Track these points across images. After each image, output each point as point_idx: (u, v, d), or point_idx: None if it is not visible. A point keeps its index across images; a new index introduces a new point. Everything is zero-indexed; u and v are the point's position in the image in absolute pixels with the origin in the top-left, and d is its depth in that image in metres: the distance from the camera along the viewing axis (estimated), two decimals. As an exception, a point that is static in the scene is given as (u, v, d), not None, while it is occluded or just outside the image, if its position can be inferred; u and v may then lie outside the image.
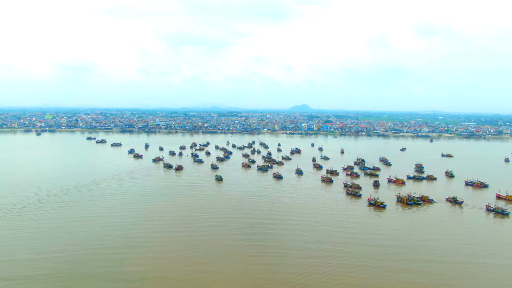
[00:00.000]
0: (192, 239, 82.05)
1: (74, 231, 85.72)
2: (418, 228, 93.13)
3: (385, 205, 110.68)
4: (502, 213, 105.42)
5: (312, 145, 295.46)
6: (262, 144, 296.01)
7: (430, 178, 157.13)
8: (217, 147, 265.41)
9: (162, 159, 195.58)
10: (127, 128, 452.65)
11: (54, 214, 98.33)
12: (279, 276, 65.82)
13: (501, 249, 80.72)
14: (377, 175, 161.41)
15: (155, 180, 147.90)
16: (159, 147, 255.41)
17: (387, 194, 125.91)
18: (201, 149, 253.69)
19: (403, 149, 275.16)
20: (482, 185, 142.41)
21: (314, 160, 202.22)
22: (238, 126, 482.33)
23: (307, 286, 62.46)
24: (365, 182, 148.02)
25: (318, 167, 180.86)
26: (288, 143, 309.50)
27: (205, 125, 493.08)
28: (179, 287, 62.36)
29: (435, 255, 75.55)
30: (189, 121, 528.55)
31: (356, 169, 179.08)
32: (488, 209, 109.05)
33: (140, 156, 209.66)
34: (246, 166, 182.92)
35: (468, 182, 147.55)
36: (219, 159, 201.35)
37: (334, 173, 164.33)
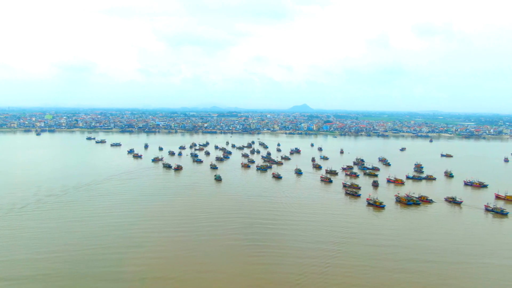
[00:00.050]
0: (191, 239, 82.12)
1: (73, 231, 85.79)
2: (417, 228, 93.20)
3: (384, 205, 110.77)
4: (501, 213, 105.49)
5: (312, 145, 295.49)
6: (261, 144, 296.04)
7: (430, 178, 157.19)
8: (216, 147, 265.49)
9: (161, 159, 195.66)
10: (127, 128, 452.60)
11: (53, 214, 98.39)
12: (277, 276, 65.88)
13: (500, 249, 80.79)
14: (376, 175, 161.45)
15: (154, 180, 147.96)
16: (159, 147, 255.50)
17: (386, 194, 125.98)
18: (200, 149, 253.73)
19: (402, 149, 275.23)
20: (481, 185, 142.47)
21: (313, 160, 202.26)
22: (238, 126, 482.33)
23: (306, 286, 62.53)
24: (364, 182, 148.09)
25: (318, 167, 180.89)
26: (288, 143, 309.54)
27: (205, 125, 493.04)
28: (178, 287, 62.44)
29: (434, 255, 75.61)
30: (189, 121, 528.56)
31: (356, 169, 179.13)
32: (487, 209, 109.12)
33: (140, 156, 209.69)
34: (246, 166, 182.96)
35: (467, 182, 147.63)
36: (219, 159, 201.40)
37: (334, 173, 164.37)
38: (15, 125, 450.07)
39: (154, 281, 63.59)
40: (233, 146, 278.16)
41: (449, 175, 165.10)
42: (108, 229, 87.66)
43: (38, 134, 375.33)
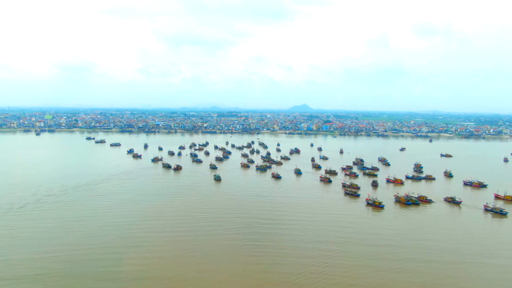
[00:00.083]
0: (190, 239, 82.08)
1: (72, 231, 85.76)
2: (416, 228, 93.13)
3: (383, 205, 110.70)
4: (500, 213, 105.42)
5: (311, 145, 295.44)
6: (261, 144, 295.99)
7: (429, 178, 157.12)
8: (216, 147, 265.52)
9: (161, 159, 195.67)
10: (127, 128, 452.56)
11: (52, 214, 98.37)
12: (276, 276, 65.83)
13: (499, 249, 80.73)
14: (375, 175, 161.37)
15: (154, 180, 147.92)
16: (158, 147, 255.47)
17: (385, 194, 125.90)
18: (200, 149, 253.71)
19: (402, 149, 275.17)
20: (481, 185, 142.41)
21: (313, 160, 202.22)
22: (238, 126, 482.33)
23: (304, 286, 62.49)
24: (363, 182, 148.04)
25: (317, 167, 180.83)
26: (288, 143, 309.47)
27: (205, 125, 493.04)
28: (176, 287, 62.38)
29: (432, 255, 75.55)
30: (189, 121, 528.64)
31: (355, 169, 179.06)
32: (486, 209, 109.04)
33: (139, 156, 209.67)
34: (245, 166, 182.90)
35: (467, 182, 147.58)
36: (218, 159, 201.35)
37: (333, 173, 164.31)
38: (15, 125, 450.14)
39: (153, 281, 63.53)
40: (233, 146, 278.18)
41: (448, 175, 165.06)
42: (107, 229, 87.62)
43: (37, 134, 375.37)
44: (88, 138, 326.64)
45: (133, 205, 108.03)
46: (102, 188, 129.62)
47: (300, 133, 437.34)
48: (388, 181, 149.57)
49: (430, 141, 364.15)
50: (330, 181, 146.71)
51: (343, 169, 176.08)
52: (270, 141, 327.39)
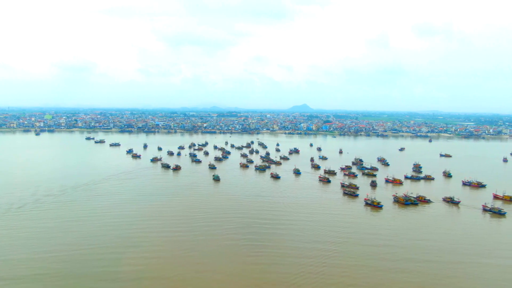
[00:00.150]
0: (189, 239, 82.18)
1: (70, 231, 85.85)
2: (415, 228, 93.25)
3: (382, 205, 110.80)
4: (498, 213, 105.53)
5: (311, 145, 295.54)
6: (260, 144, 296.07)
7: (428, 178, 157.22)
8: (215, 147, 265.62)
9: (160, 159, 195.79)
10: (126, 128, 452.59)
11: (51, 214, 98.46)
12: (274, 276, 65.93)
13: (497, 249, 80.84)
14: (374, 175, 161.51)
15: (153, 180, 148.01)
16: (158, 147, 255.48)
17: (384, 194, 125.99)
18: (199, 149, 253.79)
19: (401, 149, 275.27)
20: (480, 185, 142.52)
21: (312, 160, 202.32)
22: (237, 126, 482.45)
23: (302, 286, 62.59)
24: (362, 182, 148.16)
25: (316, 167, 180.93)
26: (287, 143, 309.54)
27: (204, 125, 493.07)
28: (175, 287, 62.49)
29: (431, 255, 75.66)
30: (189, 121, 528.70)
31: (354, 169, 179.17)
32: (485, 209, 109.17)
33: (138, 156, 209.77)
34: (244, 166, 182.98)
35: (466, 182, 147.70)
36: (217, 159, 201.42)
37: (332, 173, 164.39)
38: (15, 125, 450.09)
39: (152, 281, 63.62)
40: (232, 146, 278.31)
41: (447, 175, 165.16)
42: (106, 229, 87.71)
43: (37, 134, 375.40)
44: (88, 138, 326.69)
45: (132, 205, 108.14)
46: (101, 188, 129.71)
47: (300, 133, 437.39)
48: (387, 181, 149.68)
49: (430, 141, 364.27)
50: (329, 181, 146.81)
51: (342, 169, 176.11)
52: (270, 141, 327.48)
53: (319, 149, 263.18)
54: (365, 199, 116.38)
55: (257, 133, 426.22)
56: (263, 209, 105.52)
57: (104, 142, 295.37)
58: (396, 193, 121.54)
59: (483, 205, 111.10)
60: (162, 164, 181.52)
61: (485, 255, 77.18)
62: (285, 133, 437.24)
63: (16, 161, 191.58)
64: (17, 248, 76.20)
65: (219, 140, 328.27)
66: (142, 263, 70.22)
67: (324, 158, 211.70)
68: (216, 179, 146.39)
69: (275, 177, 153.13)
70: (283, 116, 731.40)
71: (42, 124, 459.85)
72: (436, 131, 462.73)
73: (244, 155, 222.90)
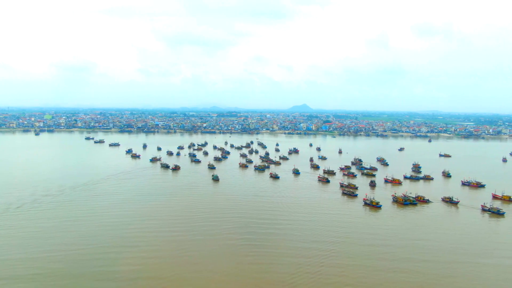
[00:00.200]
0: (187, 239, 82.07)
1: (68, 231, 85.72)
2: (413, 228, 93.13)
3: (381, 205, 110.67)
4: (497, 213, 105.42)
5: (310, 145, 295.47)
6: (260, 144, 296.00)
7: (427, 178, 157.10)
8: (215, 147, 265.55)
9: (159, 159, 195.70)
10: (126, 128, 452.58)
11: (49, 214, 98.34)
12: (272, 275, 65.82)
13: (496, 249, 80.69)
14: (374, 175, 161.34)
15: (152, 180, 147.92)
16: (157, 147, 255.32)
17: (383, 194, 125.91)
18: (199, 149, 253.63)
19: (401, 149, 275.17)
20: (479, 185, 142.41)
21: (311, 160, 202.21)
22: (237, 126, 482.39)
23: (300, 285, 62.44)
24: (361, 182, 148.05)
25: (316, 167, 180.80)
26: (287, 143, 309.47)
27: (204, 125, 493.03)
28: (172, 287, 62.37)
29: (429, 255, 75.50)
30: (188, 121, 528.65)
31: (353, 169, 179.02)
32: (484, 209, 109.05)
33: (138, 156, 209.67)
34: (243, 166, 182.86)
35: (465, 182, 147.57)
36: (217, 159, 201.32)
37: (331, 173, 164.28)
38: (14, 125, 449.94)
39: (149, 281, 63.49)
40: (232, 146, 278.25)
41: (446, 175, 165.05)
42: (104, 228, 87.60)
43: (37, 134, 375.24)
44: (87, 138, 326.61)
45: (130, 205, 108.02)
46: (100, 188, 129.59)
47: (300, 133, 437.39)
48: (386, 181, 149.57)
49: (429, 141, 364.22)
50: (328, 181, 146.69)
51: (341, 169, 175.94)
52: (269, 141, 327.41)
53: (318, 149, 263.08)
54: (364, 199, 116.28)
55: (257, 133, 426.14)
56: (262, 209, 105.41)
57: (103, 142, 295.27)
58: (395, 193, 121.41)
59: (482, 205, 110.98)
60: (161, 164, 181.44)
61: (484, 255, 77.04)
62: (284, 133, 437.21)
63: (15, 161, 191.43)
64: (15, 248, 76.07)
65: (218, 140, 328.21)
66: (139, 263, 70.10)
67: (323, 158, 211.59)
68: (215, 179, 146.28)
69: (274, 177, 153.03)
70: (282, 116, 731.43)
71: (41, 124, 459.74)
72: (436, 131, 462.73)
73: (243, 155, 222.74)
